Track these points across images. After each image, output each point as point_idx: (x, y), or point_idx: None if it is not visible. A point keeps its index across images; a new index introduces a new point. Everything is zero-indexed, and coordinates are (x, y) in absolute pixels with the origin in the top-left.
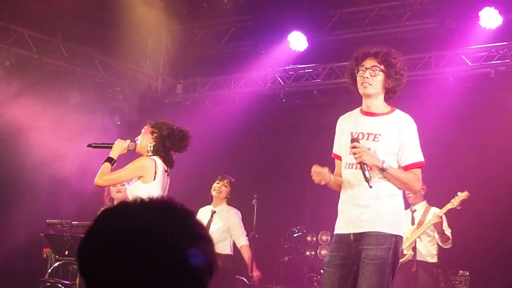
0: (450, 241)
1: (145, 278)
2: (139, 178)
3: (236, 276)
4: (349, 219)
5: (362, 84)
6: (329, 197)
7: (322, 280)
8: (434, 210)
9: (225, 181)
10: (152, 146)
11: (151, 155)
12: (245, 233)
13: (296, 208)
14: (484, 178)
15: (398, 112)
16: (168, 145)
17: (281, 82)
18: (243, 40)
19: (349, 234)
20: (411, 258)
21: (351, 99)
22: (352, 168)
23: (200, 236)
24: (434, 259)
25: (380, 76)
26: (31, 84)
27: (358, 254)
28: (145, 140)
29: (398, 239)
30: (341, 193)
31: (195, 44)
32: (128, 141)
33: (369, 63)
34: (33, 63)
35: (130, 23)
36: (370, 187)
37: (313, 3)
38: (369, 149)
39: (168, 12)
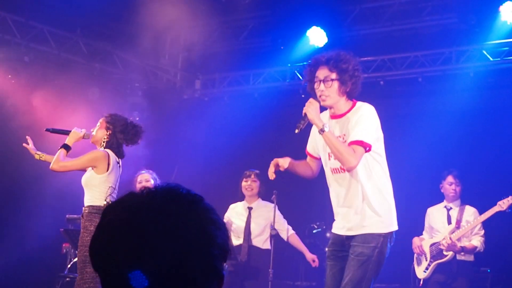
0: (478, 248)
1: (155, 269)
2: (92, 169)
3: (260, 272)
4: (339, 220)
5: (320, 97)
6: None
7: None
8: (471, 210)
9: (252, 176)
10: (105, 141)
11: (103, 148)
12: (286, 223)
13: (315, 204)
14: (508, 174)
15: (357, 105)
16: (121, 140)
17: (300, 77)
18: (262, 35)
19: (342, 235)
20: (451, 258)
21: (370, 95)
22: (335, 173)
23: (210, 220)
24: (472, 258)
25: (335, 85)
26: (50, 80)
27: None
28: (100, 133)
29: (386, 237)
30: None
31: (214, 39)
32: (84, 130)
33: (321, 73)
34: (52, 59)
35: (148, 19)
36: (295, 132)
37: None
38: None
39: (187, 8)
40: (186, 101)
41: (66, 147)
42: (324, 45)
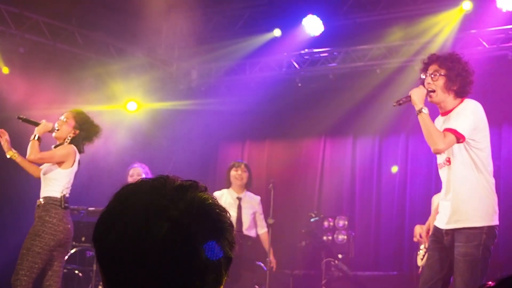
0: None
1: (163, 262)
2: (58, 164)
3: (256, 262)
4: (440, 213)
5: (428, 94)
6: (346, 182)
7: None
8: None
9: (242, 166)
10: (70, 139)
11: (67, 143)
12: (264, 219)
13: (312, 193)
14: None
15: (465, 101)
16: (83, 138)
17: (297, 66)
18: (258, 24)
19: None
20: None
21: (367, 83)
22: (440, 168)
23: (220, 211)
24: None
25: (441, 80)
26: (46, 71)
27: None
28: (66, 130)
29: (488, 231)
30: None
31: (210, 29)
32: (51, 124)
33: (432, 68)
34: (48, 50)
35: (144, 9)
36: (393, 105)
37: None
38: None
39: None
40: (182, 91)
41: (39, 138)
42: (320, 34)
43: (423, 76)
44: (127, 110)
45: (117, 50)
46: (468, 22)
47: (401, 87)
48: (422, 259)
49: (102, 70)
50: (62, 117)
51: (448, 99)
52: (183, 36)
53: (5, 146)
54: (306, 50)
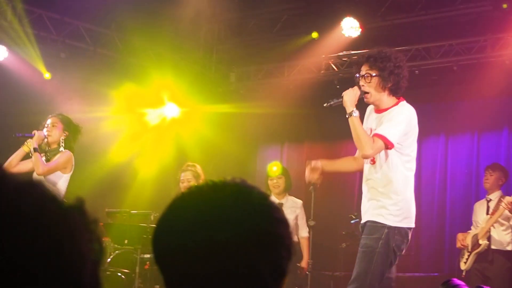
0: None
1: (221, 267)
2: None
3: (297, 264)
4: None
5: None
6: None
7: None
8: (509, 199)
9: (277, 174)
10: (64, 142)
11: (63, 148)
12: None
13: (352, 194)
14: None
15: (400, 104)
16: (73, 139)
17: (335, 68)
18: (296, 27)
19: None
20: (486, 248)
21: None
22: (365, 163)
23: (279, 220)
24: (510, 247)
25: (374, 81)
26: (86, 76)
27: None
28: (57, 134)
29: (391, 230)
30: None
31: (248, 32)
32: (42, 132)
33: (363, 69)
34: (88, 55)
35: (182, 13)
36: (324, 105)
37: None
38: None
39: (220, 1)
40: (221, 94)
41: (38, 149)
42: (358, 35)
43: (357, 75)
44: (166, 114)
45: (156, 54)
46: (506, 22)
47: (439, 87)
48: (465, 263)
49: (141, 74)
50: (48, 122)
51: (383, 98)
52: (221, 40)
53: (33, 141)
54: (344, 52)
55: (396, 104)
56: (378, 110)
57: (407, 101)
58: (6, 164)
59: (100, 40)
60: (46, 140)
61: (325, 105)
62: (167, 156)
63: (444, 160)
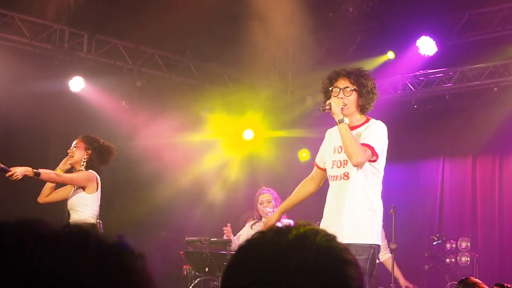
0: None
1: None
2: (83, 189)
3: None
4: (333, 226)
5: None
6: (467, 203)
7: None
8: None
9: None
10: (85, 162)
11: (83, 169)
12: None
13: (433, 215)
14: None
15: (371, 120)
16: (98, 160)
17: (412, 88)
18: (371, 47)
19: None
20: None
21: (486, 102)
22: (334, 180)
23: (346, 261)
24: None
25: (353, 96)
26: (163, 103)
27: None
28: (79, 154)
29: (376, 249)
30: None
31: (322, 54)
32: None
33: (342, 83)
34: (164, 83)
35: (257, 38)
36: (320, 110)
37: (441, 6)
38: None
39: (294, 24)
40: (297, 117)
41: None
42: (434, 54)
43: (330, 88)
44: (244, 138)
45: (231, 80)
46: None
47: None
48: None
49: (217, 100)
50: (73, 144)
51: (355, 114)
52: (296, 62)
53: (64, 164)
54: (421, 71)
55: (367, 121)
56: (350, 127)
57: (490, 118)
58: (39, 197)
59: (176, 67)
60: (69, 162)
61: (320, 109)
62: (241, 182)
63: None
